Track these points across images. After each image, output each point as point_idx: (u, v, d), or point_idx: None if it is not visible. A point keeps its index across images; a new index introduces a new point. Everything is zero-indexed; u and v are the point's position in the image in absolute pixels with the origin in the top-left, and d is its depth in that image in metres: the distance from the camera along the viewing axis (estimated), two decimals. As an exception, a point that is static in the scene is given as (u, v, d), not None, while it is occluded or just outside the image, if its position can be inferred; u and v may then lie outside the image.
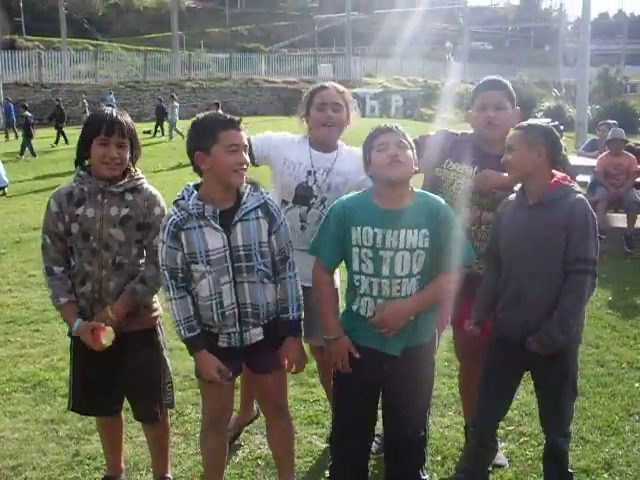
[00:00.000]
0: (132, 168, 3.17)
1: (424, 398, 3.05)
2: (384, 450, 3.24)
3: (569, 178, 3.07)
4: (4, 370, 5.01)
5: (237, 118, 2.91)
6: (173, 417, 4.11)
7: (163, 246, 2.87)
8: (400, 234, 2.83)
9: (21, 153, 20.09)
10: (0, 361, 5.19)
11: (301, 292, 3.03)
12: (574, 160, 10.47)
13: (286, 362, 3.02)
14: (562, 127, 13.60)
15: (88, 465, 3.73)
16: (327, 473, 3.24)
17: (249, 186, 2.93)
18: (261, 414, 3.80)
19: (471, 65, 47.59)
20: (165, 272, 2.89)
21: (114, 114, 3.08)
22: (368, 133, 2.96)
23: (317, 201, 3.50)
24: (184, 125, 20.48)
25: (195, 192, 2.90)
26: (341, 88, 3.60)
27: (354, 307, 2.97)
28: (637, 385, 4.77)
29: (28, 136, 20.45)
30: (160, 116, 25.90)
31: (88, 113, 18.88)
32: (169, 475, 3.48)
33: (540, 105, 35.06)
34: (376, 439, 3.73)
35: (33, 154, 20.14)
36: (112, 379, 3.24)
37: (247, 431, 4.06)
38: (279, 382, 3.15)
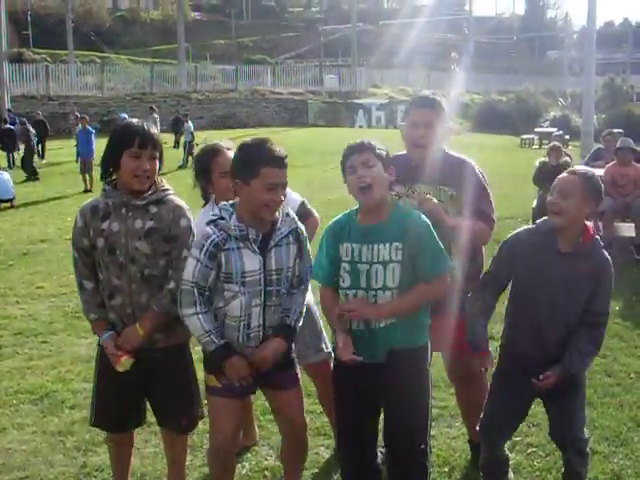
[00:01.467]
0: (157, 179, 3.13)
1: (419, 408, 3.01)
2: (387, 465, 3.21)
3: (594, 230, 3.10)
4: (12, 382, 5.02)
5: (284, 154, 2.87)
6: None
7: (197, 264, 2.84)
8: (374, 248, 2.92)
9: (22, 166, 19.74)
10: (8, 373, 5.20)
11: (305, 310, 3.08)
12: (580, 169, 10.46)
13: (259, 353, 2.93)
14: (567, 137, 13.65)
15: (95, 477, 3.73)
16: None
17: (282, 211, 2.96)
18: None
19: (475, 75, 47.64)
20: (194, 289, 2.85)
21: (145, 126, 3.04)
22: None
23: None
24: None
25: (234, 214, 2.89)
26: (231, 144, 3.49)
27: None
28: (645, 395, 4.74)
29: (7, 149, 19.98)
30: (176, 128, 24.25)
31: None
32: None
33: (546, 115, 35.11)
34: (382, 449, 3.72)
35: (9, 167, 19.26)
36: (136, 397, 3.22)
37: (253, 442, 4.06)
38: (297, 400, 3.14)
